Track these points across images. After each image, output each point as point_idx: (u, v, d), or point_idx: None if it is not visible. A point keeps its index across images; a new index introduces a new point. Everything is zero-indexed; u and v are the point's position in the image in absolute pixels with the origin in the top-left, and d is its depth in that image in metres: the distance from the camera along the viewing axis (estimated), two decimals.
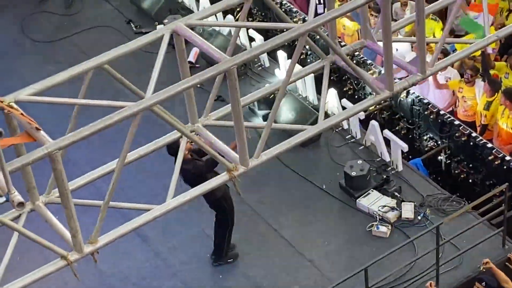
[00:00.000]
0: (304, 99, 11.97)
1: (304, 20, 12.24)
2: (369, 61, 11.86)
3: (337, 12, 5.53)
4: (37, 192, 5.41)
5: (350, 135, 11.54)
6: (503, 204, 9.56)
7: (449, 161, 11.32)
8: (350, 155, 11.26)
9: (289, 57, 11.89)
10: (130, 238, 10.40)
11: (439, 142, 11.35)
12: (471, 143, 10.84)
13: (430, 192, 10.58)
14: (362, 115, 11.37)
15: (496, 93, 11.44)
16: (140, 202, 5.79)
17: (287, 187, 11.07)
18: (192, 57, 12.77)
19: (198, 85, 5.56)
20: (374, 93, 6.00)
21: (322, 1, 12.90)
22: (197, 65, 12.67)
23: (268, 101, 11.46)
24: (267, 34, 12.58)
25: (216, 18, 12.05)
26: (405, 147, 10.82)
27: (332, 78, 12.47)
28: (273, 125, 5.73)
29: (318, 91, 11.74)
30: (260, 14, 13.80)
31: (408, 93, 11.52)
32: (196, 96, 6.09)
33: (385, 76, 5.83)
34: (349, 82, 12.41)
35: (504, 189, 9.61)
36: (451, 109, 12.12)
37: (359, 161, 10.79)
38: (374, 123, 11.08)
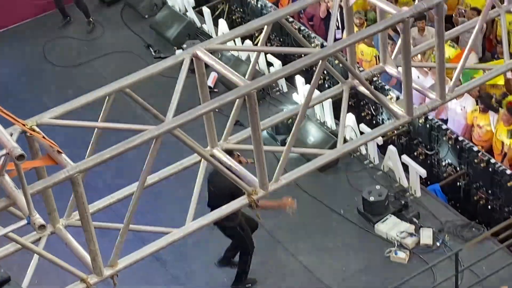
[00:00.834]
0: (322, 124, 11.99)
1: (322, 45, 12.28)
2: (386, 87, 11.86)
3: (357, 37, 5.56)
4: (57, 215, 5.44)
5: (368, 160, 11.53)
6: None
7: (468, 187, 11.27)
8: (368, 180, 11.24)
9: (307, 82, 11.92)
10: (148, 263, 10.42)
11: (458, 168, 11.31)
12: (490, 169, 10.79)
13: (449, 218, 10.53)
14: (380, 141, 11.36)
15: None
16: (158, 226, 5.82)
17: (305, 212, 11.04)
18: (210, 82, 12.83)
19: (217, 109, 5.61)
20: (393, 118, 6.01)
21: (340, 27, 12.93)
22: (215, 90, 12.72)
23: (286, 126, 11.48)
24: (285, 59, 12.62)
25: (235, 43, 12.10)
26: (423, 172, 10.80)
27: (350, 103, 12.45)
28: (292, 149, 5.75)
29: (336, 116, 11.76)
30: (278, 40, 13.85)
31: (426, 118, 11.50)
32: (215, 121, 6.12)
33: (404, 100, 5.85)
34: (367, 107, 12.41)
35: None
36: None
37: (377, 186, 10.78)
38: (392, 148, 11.08)
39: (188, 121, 5.13)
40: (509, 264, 9.64)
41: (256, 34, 13.13)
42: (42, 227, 4.67)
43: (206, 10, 14.10)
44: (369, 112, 12.42)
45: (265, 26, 5.79)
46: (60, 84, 13.80)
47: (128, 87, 5.46)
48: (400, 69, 5.90)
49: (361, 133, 11.33)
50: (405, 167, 10.99)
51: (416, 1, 6.09)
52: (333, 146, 7.11)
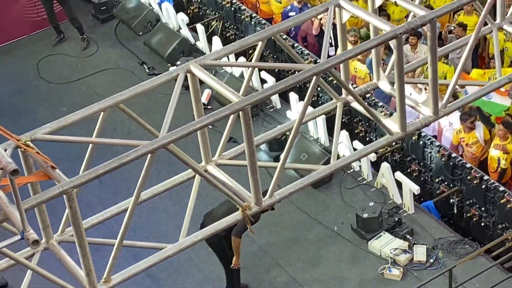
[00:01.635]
0: (315, 141, 12.01)
1: (315, 62, 12.33)
2: (380, 103, 11.89)
3: (351, 53, 5.58)
4: (51, 230, 5.43)
5: (361, 177, 11.55)
6: None
7: (461, 203, 11.29)
8: (362, 197, 11.27)
9: (301, 99, 11.95)
10: (141, 280, 10.44)
11: (451, 185, 11.33)
12: (483, 186, 10.82)
13: (442, 235, 10.56)
14: (373, 157, 11.39)
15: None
16: (152, 242, 5.81)
17: (299, 228, 11.06)
18: (204, 99, 12.86)
19: (211, 127, 5.59)
20: (386, 134, 6.03)
21: (333, 44, 12.98)
22: (209, 107, 12.77)
23: (280, 143, 11.50)
24: (279, 76, 12.65)
25: (229, 60, 12.12)
26: (416, 189, 10.82)
27: (343, 120, 12.51)
28: (286, 164, 5.75)
29: (330, 133, 11.79)
30: (272, 56, 13.89)
31: (419, 135, 11.54)
32: (210, 137, 6.12)
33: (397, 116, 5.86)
34: (360, 124, 12.45)
35: None
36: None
37: (371, 203, 10.80)
38: (386, 165, 11.10)
39: (183, 136, 5.13)
40: (503, 280, 9.65)
41: (250, 51, 13.17)
42: (35, 242, 4.66)
43: (200, 27, 14.15)
44: (363, 129, 12.45)
45: (259, 42, 5.81)
46: (54, 101, 13.83)
47: (122, 103, 5.46)
48: (394, 85, 5.93)
49: (355, 150, 11.35)
50: (399, 184, 11.02)
51: (409, 18, 6.14)
52: (327, 162, 7.12)
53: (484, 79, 11.62)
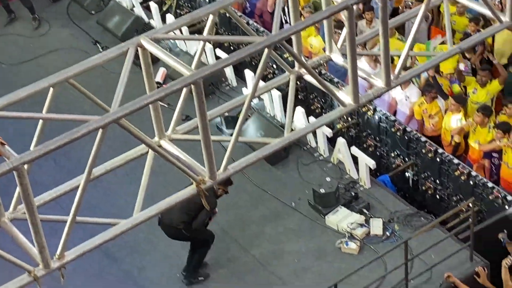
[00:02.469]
0: (272, 117, 12.01)
1: None
2: (335, 80, 11.92)
3: (302, 25, 5.57)
4: (2, 209, 5.35)
5: (318, 153, 11.59)
6: (469, 219, 9.64)
7: (416, 177, 11.39)
8: (319, 172, 11.31)
9: None
10: (99, 259, 10.39)
11: (406, 159, 11.43)
12: (438, 159, 10.93)
13: (398, 208, 10.64)
14: (330, 133, 11.42)
15: (463, 109, 11.58)
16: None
17: (257, 205, 11.08)
18: (159, 78, 12.78)
19: (167, 105, 5.54)
20: (340, 106, 6.03)
21: (289, 21, 12.96)
22: (164, 85, 12.66)
23: (236, 120, 11.44)
24: None
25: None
26: (372, 164, 10.89)
27: (299, 97, 12.55)
28: (239, 138, 5.73)
29: (286, 110, 11.78)
30: (227, 34, 13.84)
31: (375, 110, 11.60)
32: (165, 115, 6.08)
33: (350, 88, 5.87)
34: (316, 100, 12.48)
35: (470, 204, 9.69)
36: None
37: (328, 179, 10.85)
38: (341, 140, 11.14)
39: (134, 110, 5.07)
40: (457, 251, 9.77)
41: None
42: None
43: (153, 5, 14.03)
44: (319, 105, 12.49)
45: (210, 16, 5.77)
46: (5, 82, 13.61)
47: (72, 78, 5.39)
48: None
49: None
50: (355, 159, 11.07)
51: None
52: None
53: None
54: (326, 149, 11.52)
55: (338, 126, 11.95)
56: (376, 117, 11.61)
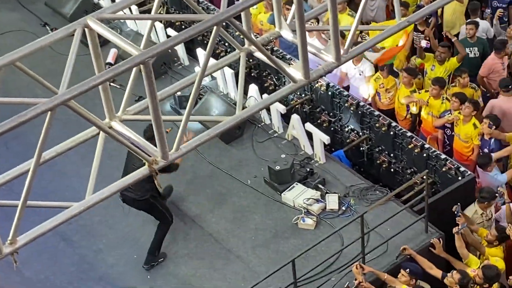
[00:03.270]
0: (225, 96, 11.98)
1: None
2: (288, 56, 11.92)
3: (250, 2, 5.52)
4: None
5: (272, 130, 11.60)
6: (424, 191, 9.73)
7: (370, 151, 11.47)
8: (274, 149, 11.32)
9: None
10: (54, 243, 10.32)
11: (360, 133, 11.49)
12: (391, 133, 11.01)
13: (353, 183, 10.70)
14: (283, 110, 11.43)
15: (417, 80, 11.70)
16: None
17: (212, 184, 11.06)
18: (111, 58, 12.65)
19: (119, 86, 5.49)
20: (290, 82, 6.03)
21: None
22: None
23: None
24: None
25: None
26: (327, 139, 10.92)
27: (252, 74, 12.53)
28: (191, 117, 5.70)
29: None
30: (178, 13, 13.74)
31: (328, 86, 11.63)
32: (118, 97, 6.02)
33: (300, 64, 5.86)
34: (269, 77, 12.47)
35: (424, 176, 9.79)
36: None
37: (283, 155, 10.86)
38: (295, 117, 11.16)
39: (82, 92, 5.01)
40: (413, 223, 9.86)
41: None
42: None
43: None
44: (272, 82, 12.49)
45: None
46: None
47: (18, 60, 5.30)
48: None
49: None
50: (309, 135, 11.10)
51: None
52: None
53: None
54: (280, 126, 11.53)
55: (292, 102, 11.96)
56: (330, 93, 11.64)
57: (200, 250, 10.27)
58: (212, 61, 6.83)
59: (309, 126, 11.16)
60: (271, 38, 6.38)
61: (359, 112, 11.35)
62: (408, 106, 11.93)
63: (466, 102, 11.05)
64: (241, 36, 10.38)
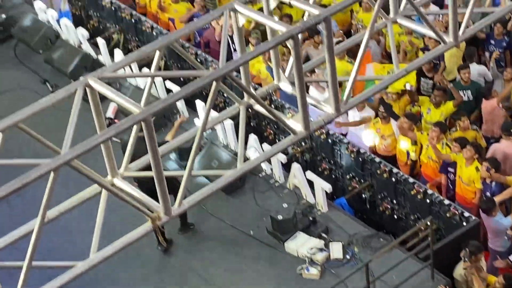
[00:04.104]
0: (225, 147, 12.01)
1: None
2: (287, 105, 11.98)
3: (248, 57, 5.59)
4: None
5: (274, 180, 11.60)
6: (428, 238, 9.70)
7: (373, 198, 11.45)
8: (275, 199, 11.31)
9: None
10: None
11: (362, 180, 11.49)
12: (393, 179, 11.00)
13: (357, 231, 10.67)
14: (284, 159, 11.44)
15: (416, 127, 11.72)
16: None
17: (215, 236, 11.03)
18: (111, 113, 12.73)
19: (119, 141, 5.54)
20: (291, 134, 6.06)
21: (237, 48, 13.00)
22: (116, 120, 12.61)
23: (189, 152, 11.37)
24: (184, 85, 12.58)
25: (132, 71, 12.05)
26: (328, 187, 10.91)
27: (252, 124, 12.58)
28: (193, 172, 5.72)
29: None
30: (176, 66, 13.85)
31: (327, 133, 11.66)
32: (119, 150, 6.06)
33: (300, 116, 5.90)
34: (269, 127, 12.51)
35: (428, 223, 9.76)
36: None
37: (285, 205, 10.86)
38: (296, 166, 11.17)
39: (85, 151, 5.05)
40: (418, 271, 9.81)
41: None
42: None
43: (101, 41, 13.99)
44: (271, 132, 12.52)
45: (157, 51, 5.77)
46: None
47: (21, 122, 5.34)
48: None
49: None
50: (311, 184, 11.10)
51: (305, 17, 6.20)
52: None
53: (383, 73, 11.83)
54: (281, 175, 11.54)
55: (292, 151, 11.99)
56: (330, 140, 11.67)
57: None
58: (212, 113, 6.87)
59: (310, 174, 11.16)
60: (270, 91, 6.43)
61: (360, 159, 11.36)
62: (408, 152, 11.94)
63: (467, 145, 11.07)
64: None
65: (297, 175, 11.16)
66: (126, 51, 14.29)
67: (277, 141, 12.23)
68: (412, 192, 10.77)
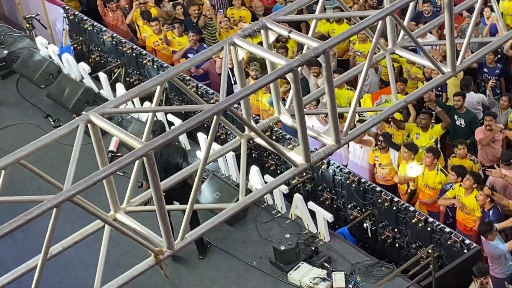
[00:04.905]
0: (227, 178, 12.06)
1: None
2: (288, 136, 12.05)
3: (248, 90, 5.65)
4: None
5: (276, 210, 11.64)
6: (430, 265, 9.71)
7: (374, 227, 11.48)
8: (278, 229, 11.33)
9: None
10: None
11: (363, 210, 11.52)
12: (394, 208, 11.03)
13: (359, 260, 10.68)
14: (286, 189, 11.49)
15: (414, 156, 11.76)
16: None
17: (218, 267, 11.04)
18: (113, 146, 12.78)
19: (122, 173, 5.61)
20: (292, 166, 6.11)
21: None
22: (118, 154, 12.66)
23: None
24: (185, 118, 12.69)
25: (134, 105, 12.13)
26: (330, 217, 10.95)
27: (253, 155, 12.63)
28: (195, 206, 5.77)
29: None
30: (178, 99, 13.94)
31: (329, 164, 11.72)
32: (122, 184, 6.11)
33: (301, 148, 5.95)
34: (270, 158, 12.57)
35: (430, 251, 9.78)
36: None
37: (287, 235, 10.88)
38: (298, 196, 11.22)
39: (87, 187, 5.10)
40: None
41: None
42: None
43: (102, 75, 14.09)
44: (273, 163, 12.57)
45: (158, 86, 5.84)
46: None
47: (23, 159, 5.40)
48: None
49: (266, 183, 11.43)
50: (313, 214, 11.13)
51: (304, 50, 6.27)
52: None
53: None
54: (283, 205, 11.58)
55: (293, 182, 12.03)
56: (331, 170, 11.72)
57: None
58: (213, 146, 6.93)
59: (312, 204, 11.20)
60: (271, 123, 6.49)
61: (361, 188, 11.40)
62: (408, 182, 11.99)
63: (467, 175, 11.11)
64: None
65: (299, 205, 11.20)
66: (128, 84, 14.39)
67: (278, 172, 12.27)
68: (413, 220, 10.80)
